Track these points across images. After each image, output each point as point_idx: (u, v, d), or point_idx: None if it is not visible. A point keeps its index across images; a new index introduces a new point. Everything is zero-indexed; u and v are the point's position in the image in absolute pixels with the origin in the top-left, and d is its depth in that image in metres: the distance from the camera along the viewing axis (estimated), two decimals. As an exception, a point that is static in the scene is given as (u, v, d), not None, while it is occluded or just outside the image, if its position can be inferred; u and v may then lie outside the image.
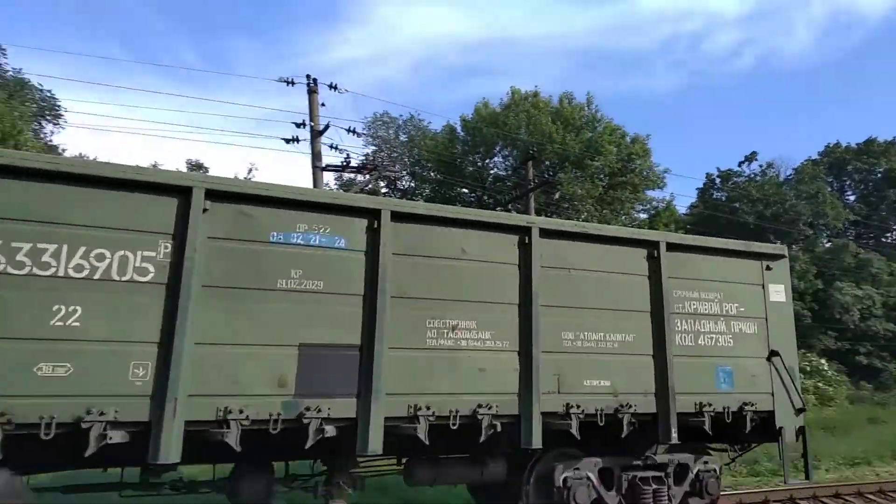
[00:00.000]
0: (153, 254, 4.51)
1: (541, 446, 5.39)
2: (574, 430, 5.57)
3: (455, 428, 5.10)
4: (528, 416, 5.36)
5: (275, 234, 4.85)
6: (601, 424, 5.68)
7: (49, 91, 20.09)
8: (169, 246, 4.55)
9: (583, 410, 5.62)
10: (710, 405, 6.15)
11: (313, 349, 4.77)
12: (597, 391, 5.76)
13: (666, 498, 6.15)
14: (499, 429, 5.21)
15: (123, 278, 4.40)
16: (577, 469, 5.91)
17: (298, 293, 4.83)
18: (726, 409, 6.23)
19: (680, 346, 6.22)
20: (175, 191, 4.61)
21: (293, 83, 13.86)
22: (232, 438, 4.46)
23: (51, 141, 19.22)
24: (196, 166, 17.30)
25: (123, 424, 4.24)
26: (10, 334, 4.04)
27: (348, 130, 15.13)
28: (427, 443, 4.99)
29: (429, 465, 5.66)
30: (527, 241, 5.68)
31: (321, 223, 5.02)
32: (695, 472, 6.37)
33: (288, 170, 30.91)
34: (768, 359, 6.57)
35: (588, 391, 5.72)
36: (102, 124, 30.93)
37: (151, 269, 4.49)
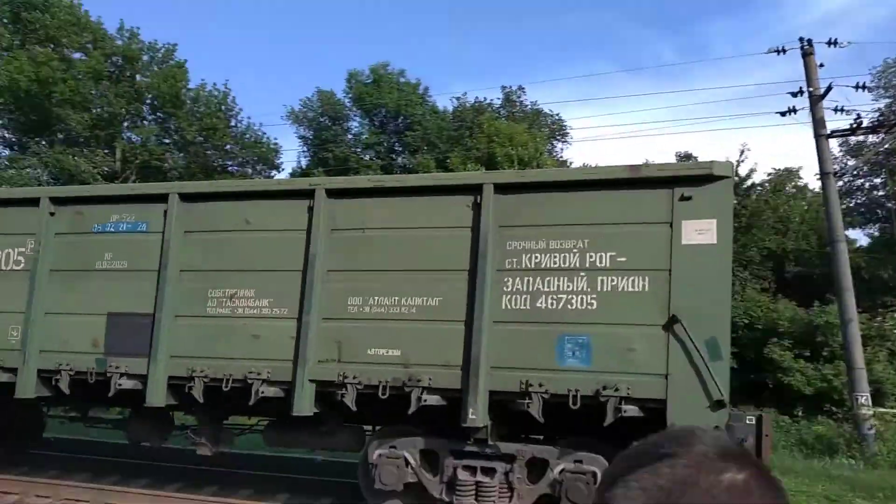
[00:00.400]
0: (24, 249, 6.41)
1: (310, 413, 5.28)
2: (350, 402, 5.21)
3: (227, 391, 5.50)
4: (299, 383, 5.31)
5: (96, 225, 6.24)
6: (383, 397, 5.12)
7: (557, 114, 23.64)
8: (33, 242, 6.36)
9: (360, 381, 5.18)
10: (542, 385, 4.78)
11: (118, 317, 5.95)
12: (382, 361, 5.18)
13: (494, 495, 5.05)
14: (258, 390, 5.34)
15: (6, 268, 6.43)
16: (393, 448, 5.38)
17: (109, 272, 6.08)
18: (572, 392, 4.71)
19: (506, 311, 4.98)
20: (32, 202, 6.39)
21: (784, 51, 13.14)
22: (63, 384, 6.03)
23: (561, 157, 22.76)
24: (685, 157, 19.12)
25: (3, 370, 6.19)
26: None
27: (857, 87, 13.22)
28: (202, 401, 5.54)
29: (280, 428, 5.92)
30: (311, 205, 5.49)
31: (128, 212, 6.12)
32: (556, 471, 4.99)
33: (787, 144, 32.78)
34: (666, 327, 4.64)
35: (371, 361, 5.21)
36: (600, 134, 36.92)
37: (22, 260, 6.41)
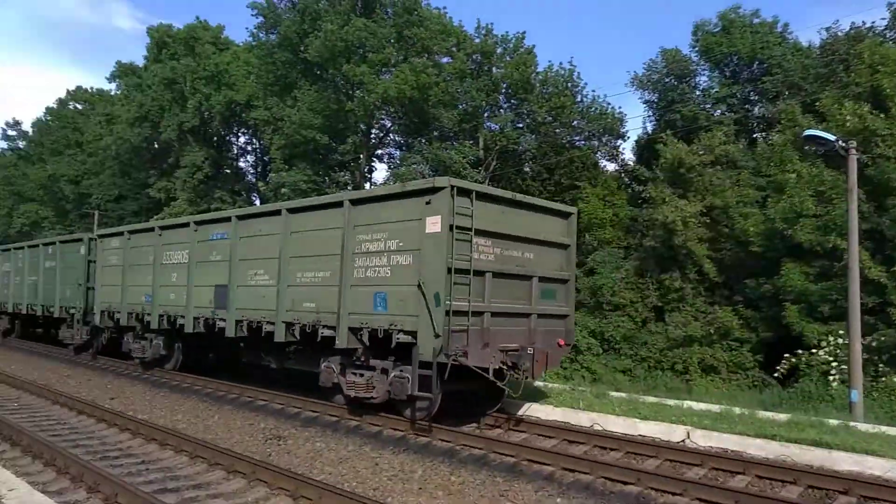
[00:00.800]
0: (184, 252, 11.69)
1: (283, 339, 9.45)
2: (296, 335, 8.95)
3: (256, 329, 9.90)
4: (278, 323, 9.51)
5: (213, 234, 10.96)
6: (308, 332, 8.84)
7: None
8: (187, 249, 11.67)
9: (300, 322, 9.05)
10: (367, 324, 8.18)
11: (218, 287, 10.65)
12: (308, 310, 9.05)
13: (363, 387, 8.42)
14: (265, 329, 9.50)
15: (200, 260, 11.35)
16: (328, 363, 9.04)
17: (215, 262, 11.03)
18: (380, 328, 7.94)
19: (355, 278, 8.40)
20: (183, 225, 11.88)
21: None
22: (192, 327, 11.26)
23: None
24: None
25: None
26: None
27: None
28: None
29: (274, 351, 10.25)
30: (281, 217, 9.46)
31: (221, 227, 10.97)
32: (391, 375, 8.17)
33: None
34: (418, 287, 7.54)
35: (304, 310, 9.15)
36: None
37: (185, 258, 11.52)
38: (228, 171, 32.42)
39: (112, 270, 13.38)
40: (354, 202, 8.46)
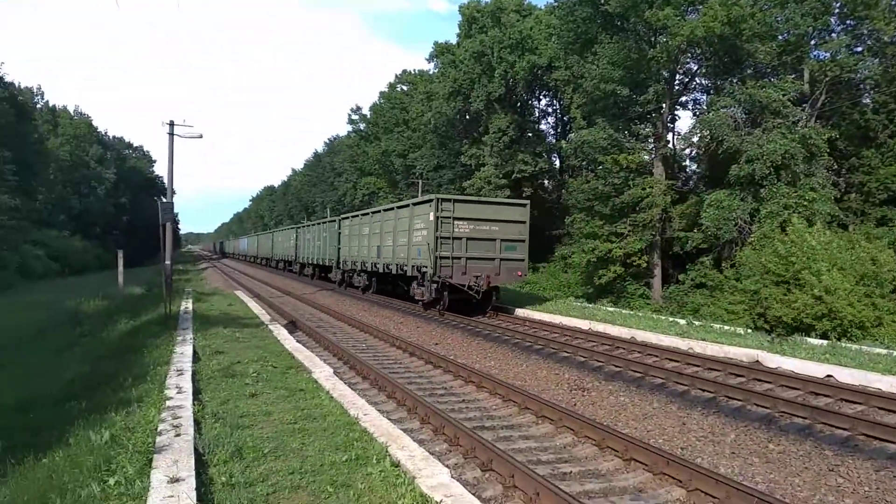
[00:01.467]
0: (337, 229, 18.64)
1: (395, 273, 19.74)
2: (399, 271, 19.38)
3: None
4: (393, 266, 19.04)
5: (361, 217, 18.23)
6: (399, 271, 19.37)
7: None
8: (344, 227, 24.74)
9: (398, 264, 19.24)
10: (416, 265, 17.48)
11: (379, 247, 21.26)
12: (401, 259, 19.04)
13: (420, 292, 17.73)
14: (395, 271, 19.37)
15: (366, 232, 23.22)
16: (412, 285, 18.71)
17: (370, 235, 22.58)
18: (419, 265, 17.45)
19: (412, 242, 17.81)
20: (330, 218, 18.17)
21: None
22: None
23: None
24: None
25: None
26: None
27: None
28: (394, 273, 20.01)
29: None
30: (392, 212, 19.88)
31: (376, 217, 22.00)
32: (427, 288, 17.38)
33: None
34: (427, 245, 16.64)
35: (398, 259, 19.28)
36: None
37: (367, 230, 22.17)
38: (531, 134, 33.54)
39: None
40: (413, 205, 18.30)
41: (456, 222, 17.08)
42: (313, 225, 33.18)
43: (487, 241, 17.45)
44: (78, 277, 44.22)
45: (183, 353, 9.99)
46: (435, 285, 17.33)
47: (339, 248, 26.86)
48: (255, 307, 18.54)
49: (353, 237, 24.59)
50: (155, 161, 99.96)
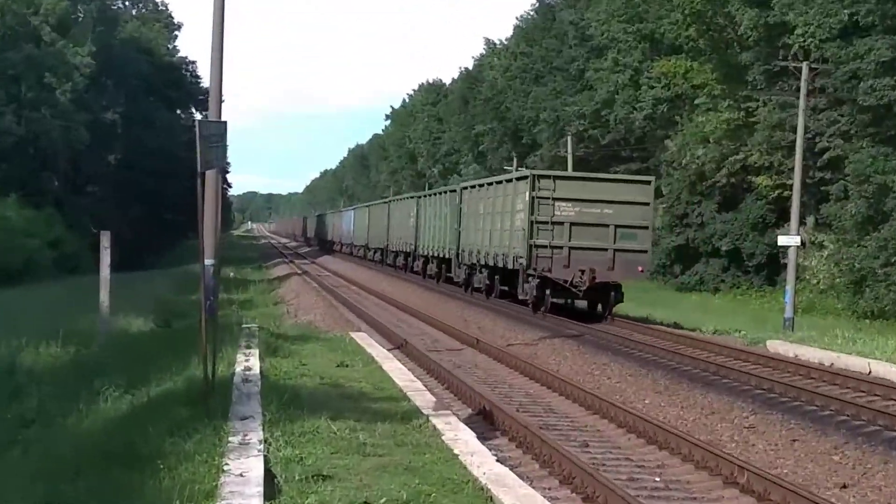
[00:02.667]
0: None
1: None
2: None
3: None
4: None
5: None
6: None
7: None
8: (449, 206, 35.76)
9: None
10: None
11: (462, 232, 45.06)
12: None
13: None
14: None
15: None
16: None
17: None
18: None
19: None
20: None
21: None
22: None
23: None
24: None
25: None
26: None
27: None
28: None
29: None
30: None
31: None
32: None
33: None
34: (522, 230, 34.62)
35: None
36: None
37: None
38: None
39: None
40: (508, 182, 37.29)
41: (557, 203, 29.68)
42: (435, 195, 48.93)
43: (598, 226, 30.73)
44: (18, 289, 47.34)
45: (243, 476, 10.42)
46: (536, 282, 30.88)
47: (459, 232, 41.98)
48: (397, 370, 20.55)
49: (471, 216, 39.20)
50: (178, 27, 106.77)
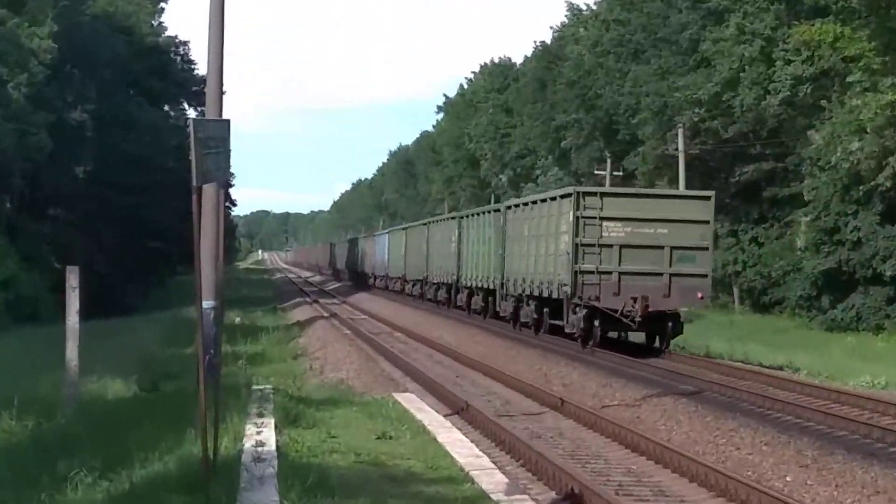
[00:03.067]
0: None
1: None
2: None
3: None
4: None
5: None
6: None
7: None
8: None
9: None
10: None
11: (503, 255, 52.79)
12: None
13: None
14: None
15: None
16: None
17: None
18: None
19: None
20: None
21: None
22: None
23: None
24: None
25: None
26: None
27: None
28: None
29: None
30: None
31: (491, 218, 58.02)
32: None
33: None
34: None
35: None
36: None
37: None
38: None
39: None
40: (552, 200, 43.13)
41: (605, 223, 33.44)
42: (478, 214, 57.45)
43: (652, 248, 34.66)
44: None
45: None
46: (583, 312, 35.39)
47: (503, 259, 49.08)
48: (456, 441, 20.94)
49: (516, 240, 46.08)
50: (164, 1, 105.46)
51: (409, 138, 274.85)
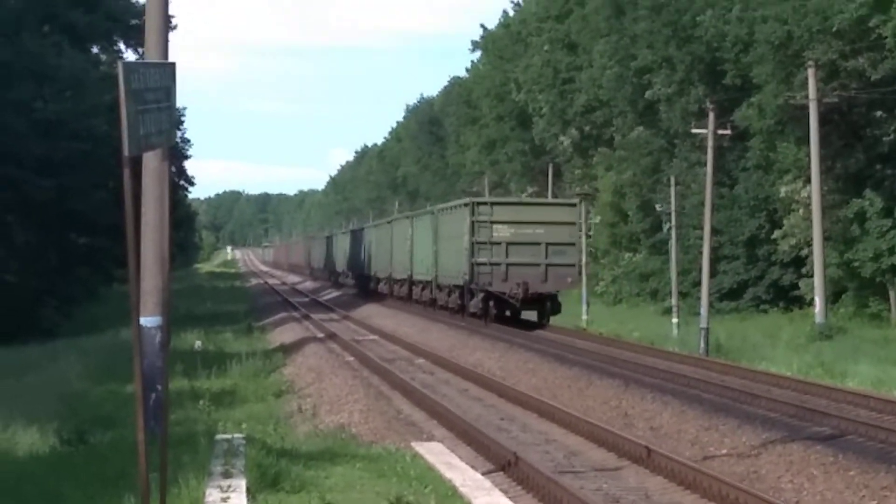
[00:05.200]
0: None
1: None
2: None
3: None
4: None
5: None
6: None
7: None
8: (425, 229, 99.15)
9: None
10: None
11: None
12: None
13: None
14: None
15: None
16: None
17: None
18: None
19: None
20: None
21: None
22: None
23: None
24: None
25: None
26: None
27: None
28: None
29: None
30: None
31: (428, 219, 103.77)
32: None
33: None
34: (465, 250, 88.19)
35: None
36: None
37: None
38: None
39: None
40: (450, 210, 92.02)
41: (494, 226, 69.17)
42: (450, 209, 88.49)
43: (531, 245, 70.34)
44: None
45: None
46: (481, 295, 71.32)
47: (436, 255, 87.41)
48: None
49: (443, 240, 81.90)
50: None
51: (433, 88, 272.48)
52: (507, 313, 75.16)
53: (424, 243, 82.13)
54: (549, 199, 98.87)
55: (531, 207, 67.38)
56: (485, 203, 67.49)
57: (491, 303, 65.21)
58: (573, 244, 62.09)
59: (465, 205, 71.31)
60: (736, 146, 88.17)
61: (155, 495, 15.47)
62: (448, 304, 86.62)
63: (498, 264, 62.65)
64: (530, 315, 76.36)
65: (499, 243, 62.15)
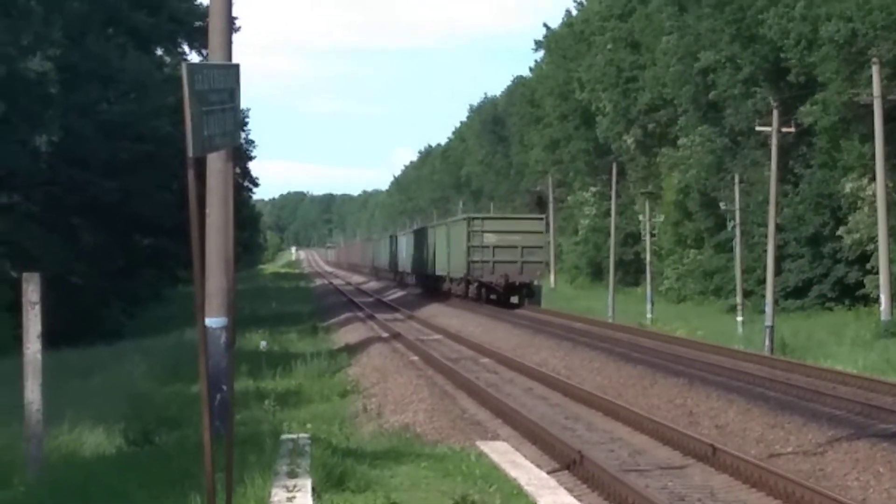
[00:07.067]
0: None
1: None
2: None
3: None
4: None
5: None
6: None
7: None
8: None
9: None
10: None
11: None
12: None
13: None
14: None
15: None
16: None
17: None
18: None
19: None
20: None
21: None
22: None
23: None
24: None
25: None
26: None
27: None
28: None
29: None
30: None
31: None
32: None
33: None
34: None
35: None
36: None
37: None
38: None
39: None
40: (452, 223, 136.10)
41: (485, 234, 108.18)
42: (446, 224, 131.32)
43: (511, 248, 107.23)
44: None
45: None
46: (475, 285, 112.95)
47: (448, 255, 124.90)
48: None
49: (452, 244, 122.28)
50: None
51: (496, 87, 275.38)
52: (492, 297, 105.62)
53: (458, 244, 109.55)
54: (524, 215, 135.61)
55: (511, 221, 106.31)
56: (478, 218, 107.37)
57: (483, 290, 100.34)
58: (541, 247, 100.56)
59: (464, 219, 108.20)
60: (800, 144, 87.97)
61: (221, 495, 15.45)
62: (457, 291, 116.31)
63: (487, 262, 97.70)
64: (514, 299, 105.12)
65: (487, 246, 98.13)
